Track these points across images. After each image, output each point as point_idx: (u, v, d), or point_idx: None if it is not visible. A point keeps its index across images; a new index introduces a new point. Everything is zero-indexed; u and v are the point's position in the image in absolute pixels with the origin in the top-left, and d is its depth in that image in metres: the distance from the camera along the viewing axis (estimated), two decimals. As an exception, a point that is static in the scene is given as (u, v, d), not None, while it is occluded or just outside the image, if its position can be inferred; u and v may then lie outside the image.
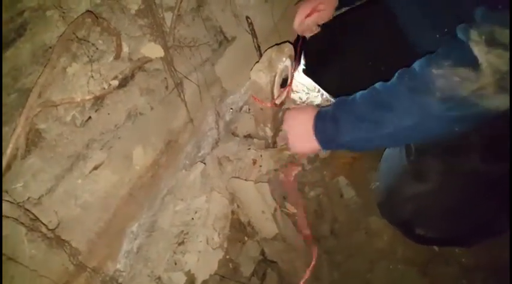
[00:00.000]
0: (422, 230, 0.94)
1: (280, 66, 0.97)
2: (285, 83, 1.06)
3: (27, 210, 0.76)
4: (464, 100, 0.64)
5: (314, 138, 0.88)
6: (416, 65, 0.71)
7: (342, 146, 0.86)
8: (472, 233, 0.94)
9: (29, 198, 0.77)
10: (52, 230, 0.79)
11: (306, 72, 1.26)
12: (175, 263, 1.06)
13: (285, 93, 1.10)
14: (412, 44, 0.94)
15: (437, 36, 0.82)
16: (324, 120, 0.86)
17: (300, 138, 0.93)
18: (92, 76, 0.85)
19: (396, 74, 0.75)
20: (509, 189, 0.80)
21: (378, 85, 0.78)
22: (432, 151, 0.90)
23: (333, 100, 1.40)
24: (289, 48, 0.99)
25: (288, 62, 0.99)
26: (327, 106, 0.90)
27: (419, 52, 0.93)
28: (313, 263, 1.11)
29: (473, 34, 0.61)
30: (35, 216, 0.76)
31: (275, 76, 0.97)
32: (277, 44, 1.01)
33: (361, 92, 0.81)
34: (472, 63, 0.61)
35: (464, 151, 0.85)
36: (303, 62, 1.24)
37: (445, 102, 0.66)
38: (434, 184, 0.90)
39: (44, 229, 0.77)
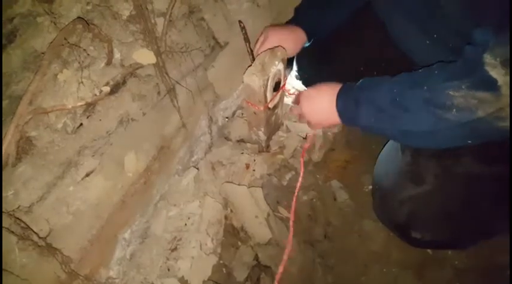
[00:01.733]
0: (418, 234, 0.94)
1: (273, 70, 0.97)
2: (277, 87, 1.06)
3: (18, 219, 0.75)
4: (480, 121, 0.64)
5: (336, 112, 0.89)
6: (433, 76, 0.71)
7: (360, 127, 0.88)
8: (468, 235, 0.94)
9: (19, 206, 0.77)
10: (43, 238, 0.78)
11: (298, 76, 1.26)
12: (169, 270, 1.05)
13: (278, 97, 1.11)
14: (403, 49, 0.95)
15: (428, 42, 0.83)
16: (345, 99, 0.87)
17: (321, 111, 0.94)
18: (83, 83, 0.84)
19: (416, 77, 0.75)
20: (509, 190, 0.80)
21: (402, 79, 0.78)
22: (427, 153, 0.91)
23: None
24: (281, 52, 1.00)
25: (280, 66, 1.00)
26: (349, 83, 0.90)
27: (411, 57, 0.94)
28: (288, 249, 1.11)
29: (487, 58, 0.61)
30: (26, 224, 0.75)
31: (268, 79, 0.97)
32: (269, 48, 1.01)
33: (386, 80, 0.81)
34: (491, 85, 0.61)
35: (459, 153, 0.86)
36: (295, 67, 1.25)
37: (461, 119, 0.66)
38: (430, 186, 0.90)
39: (35, 238, 0.77)
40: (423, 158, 0.92)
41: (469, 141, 0.72)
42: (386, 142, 1.12)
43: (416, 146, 0.89)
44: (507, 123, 0.63)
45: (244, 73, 0.97)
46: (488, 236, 0.94)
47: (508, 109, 0.61)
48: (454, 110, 0.66)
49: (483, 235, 0.94)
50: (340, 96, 0.88)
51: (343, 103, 0.88)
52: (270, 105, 1.09)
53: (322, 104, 0.93)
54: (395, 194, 0.98)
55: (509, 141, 0.74)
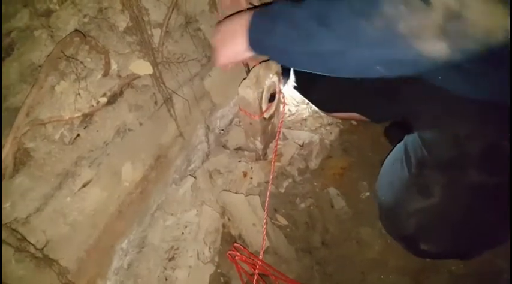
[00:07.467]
0: (426, 245, 0.93)
1: (268, 82, 0.98)
2: (273, 98, 1.07)
3: (15, 230, 0.76)
4: (399, 38, 0.59)
5: (245, 32, 0.82)
6: None
7: (267, 49, 0.82)
8: (474, 245, 0.94)
9: (16, 218, 0.77)
10: (40, 249, 0.79)
11: (295, 86, 1.27)
12: (166, 279, 1.05)
13: (273, 107, 1.12)
14: None
15: None
16: (263, 16, 0.81)
17: (229, 34, 0.86)
18: (80, 95, 0.85)
19: None
20: (509, 197, 0.80)
21: None
22: (433, 164, 0.90)
23: (322, 113, 1.42)
24: (276, 65, 1.01)
25: (275, 78, 1.01)
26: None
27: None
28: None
29: None
30: (22, 236, 0.76)
31: (262, 92, 0.98)
32: (264, 61, 1.02)
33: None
34: None
35: (464, 164, 0.86)
36: (292, 77, 1.26)
37: (380, 33, 0.61)
38: (438, 199, 0.89)
39: (31, 249, 0.77)
40: (429, 170, 0.91)
41: (379, 67, 0.67)
42: (389, 153, 1.12)
43: (321, 72, 0.81)
44: (426, 46, 0.58)
45: (239, 86, 0.99)
46: (493, 245, 0.94)
47: (432, 30, 0.56)
48: (377, 20, 0.60)
49: (489, 245, 0.94)
50: (256, 13, 0.82)
51: (259, 19, 0.81)
52: (266, 116, 1.10)
53: (235, 19, 0.85)
54: (402, 207, 0.96)
55: (509, 150, 0.75)
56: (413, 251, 1.00)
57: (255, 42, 0.82)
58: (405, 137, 1.02)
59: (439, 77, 0.82)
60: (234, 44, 0.86)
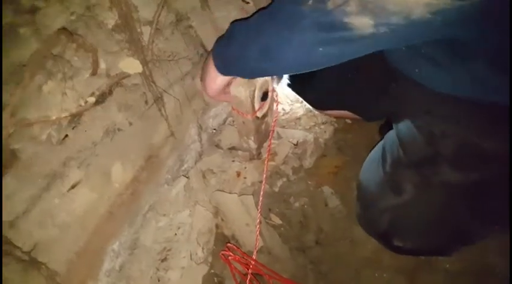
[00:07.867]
0: (400, 242, 0.94)
1: (260, 81, 0.97)
2: (266, 96, 1.06)
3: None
4: (329, 15, 0.62)
5: (212, 62, 0.90)
6: None
7: (231, 65, 0.87)
8: (448, 242, 0.95)
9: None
10: (27, 252, 0.77)
11: (289, 85, 1.26)
12: (159, 280, 1.04)
13: (266, 106, 1.10)
14: (386, 57, 0.96)
15: (403, 48, 0.83)
16: (222, 38, 0.89)
17: (204, 71, 0.97)
18: (67, 94, 0.83)
19: None
20: (509, 192, 0.80)
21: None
22: (407, 163, 0.91)
23: (316, 112, 1.42)
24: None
25: (267, 76, 1.00)
26: None
27: (392, 64, 0.95)
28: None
29: None
30: (8, 239, 0.74)
31: (254, 90, 0.97)
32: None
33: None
34: None
35: (437, 162, 0.86)
36: (286, 75, 1.25)
37: (313, 12, 0.64)
38: (410, 196, 0.90)
39: (18, 252, 0.75)
40: (402, 168, 0.92)
41: (321, 49, 0.68)
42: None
43: (277, 73, 0.94)
44: (353, 21, 0.61)
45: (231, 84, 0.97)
46: (468, 242, 0.95)
47: (353, 4, 0.59)
48: (310, 1, 0.64)
49: (463, 241, 0.95)
50: (216, 41, 0.92)
51: (218, 42, 0.90)
52: (259, 114, 1.08)
53: (204, 64, 0.98)
54: (376, 204, 0.98)
55: (509, 148, 0.74)
56: (389, 248, 1.01)
57: (220, 64, 0.89)
58: (385, 136, 1.03)
59: (416, 70, 0.82)
60: (209, 77, 0.93)
